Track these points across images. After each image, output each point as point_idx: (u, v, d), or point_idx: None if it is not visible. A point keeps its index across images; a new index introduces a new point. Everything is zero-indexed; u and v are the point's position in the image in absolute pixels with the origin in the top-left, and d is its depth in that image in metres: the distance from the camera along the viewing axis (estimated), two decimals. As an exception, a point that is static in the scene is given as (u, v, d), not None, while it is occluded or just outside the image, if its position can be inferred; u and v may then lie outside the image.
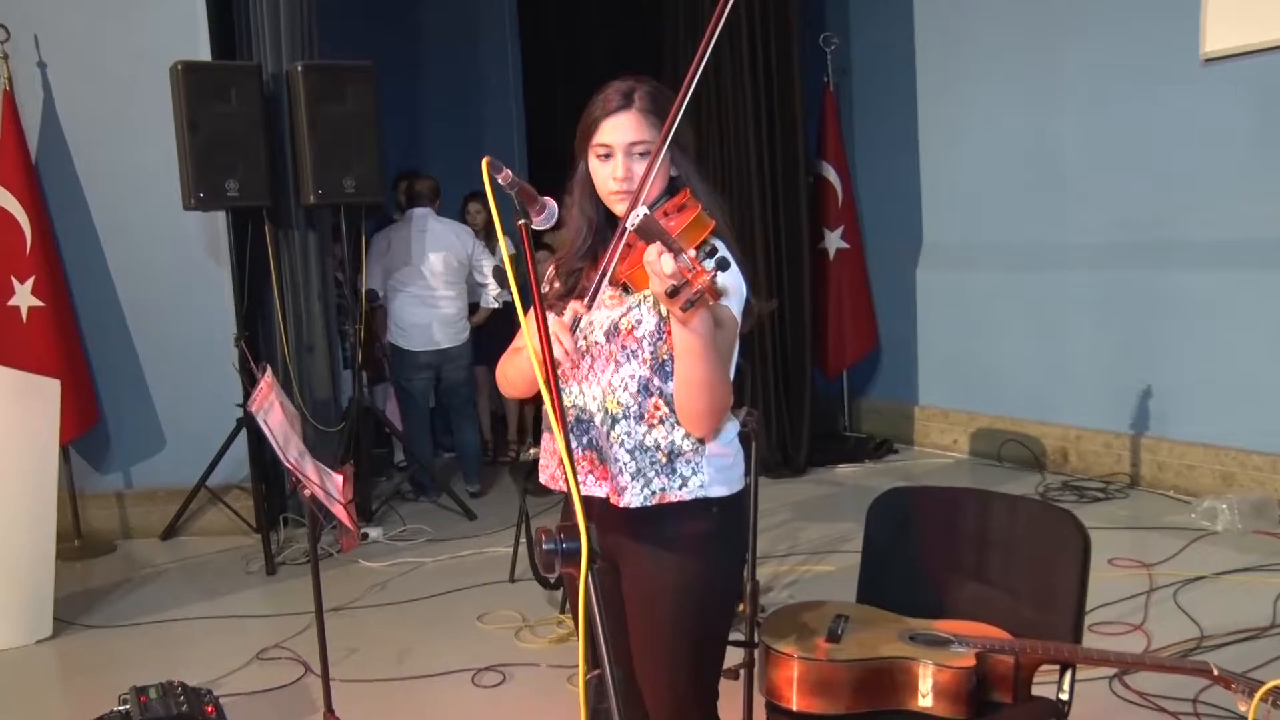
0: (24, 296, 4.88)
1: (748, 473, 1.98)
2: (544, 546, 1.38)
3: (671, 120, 1.73)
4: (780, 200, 6.08)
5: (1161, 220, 5.21)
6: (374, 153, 4.99)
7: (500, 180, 1.64)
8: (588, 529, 1.35)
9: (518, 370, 1.95)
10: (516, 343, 2.01)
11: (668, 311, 1.68)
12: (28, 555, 3.96)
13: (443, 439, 6.67)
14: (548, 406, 1.48)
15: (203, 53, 5.07)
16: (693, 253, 1.48)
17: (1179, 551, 4.36)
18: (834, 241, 6.46)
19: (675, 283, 1.49)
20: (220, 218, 5.12)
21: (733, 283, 1.77)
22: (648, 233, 1.54)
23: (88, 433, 5.16)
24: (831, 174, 6.44)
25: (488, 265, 5.90)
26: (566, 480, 1.43)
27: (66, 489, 5.05)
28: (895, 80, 6.47)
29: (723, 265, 1.47)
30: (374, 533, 5.16)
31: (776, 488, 5.73)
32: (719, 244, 1.61)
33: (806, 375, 6.18)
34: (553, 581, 4.06)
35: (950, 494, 2.37)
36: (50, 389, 4.14)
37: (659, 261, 1.51)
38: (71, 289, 5.14)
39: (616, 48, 6.99)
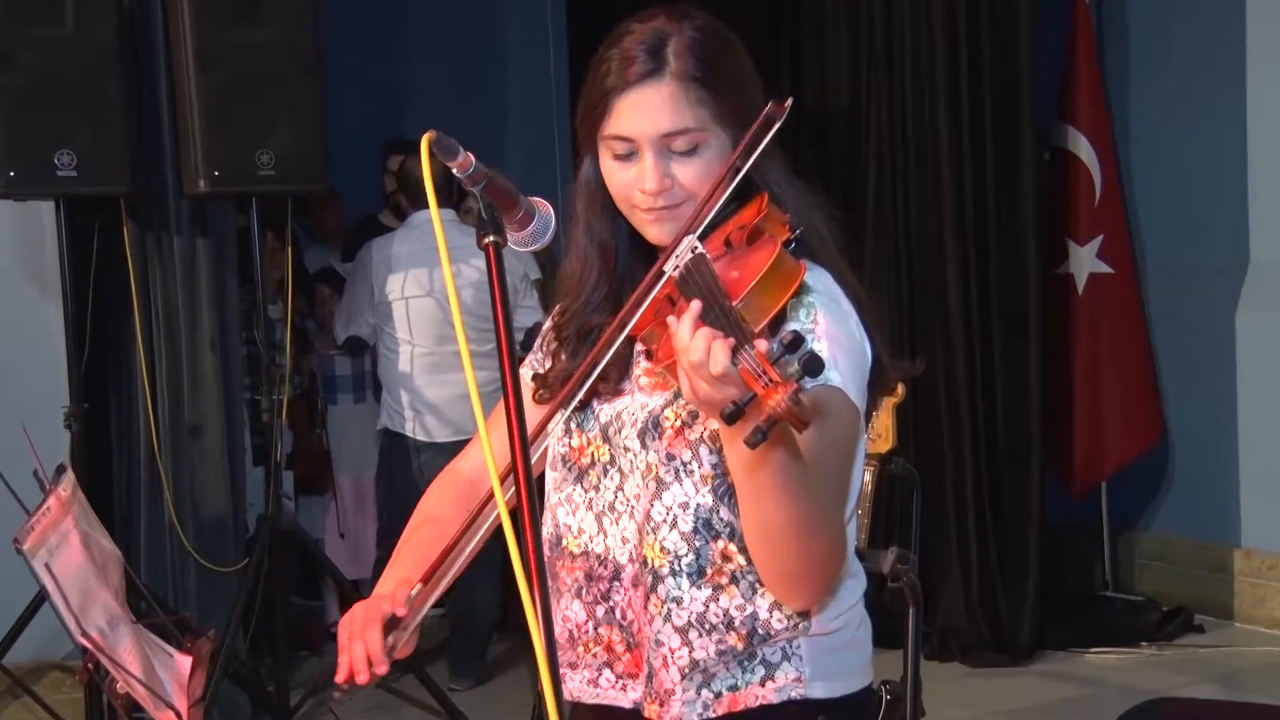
0: None
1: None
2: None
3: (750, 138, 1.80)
4: (990, 192, 6.12)
5: None
6: (310, 112, 5.08)
7: (456, 170, 1.67)
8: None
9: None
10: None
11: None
12: None
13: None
14: (513, 553, 1.50)
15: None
16: (764, 345, 1.47)
17: None
18: (1086, 261, 6.45)
19: (736, 398, 1.48)
20: (45, 213, 5.23)
21: (842, 338, 1.78)
22: (696, 289, 1.56)
23: None
24: (1084, 149, 6.45)
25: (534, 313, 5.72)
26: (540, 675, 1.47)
27: None
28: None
29: (813, 369, 1.47)
30: (290, 748, 5.18)
31: (981, 683, 5.79)
32: (809, 316, 1.69)
33: (1035, 491, 6.16)
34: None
35: (1266, 715, 2.28)
36: None
37: (705, 355, 1.51)
38: None
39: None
